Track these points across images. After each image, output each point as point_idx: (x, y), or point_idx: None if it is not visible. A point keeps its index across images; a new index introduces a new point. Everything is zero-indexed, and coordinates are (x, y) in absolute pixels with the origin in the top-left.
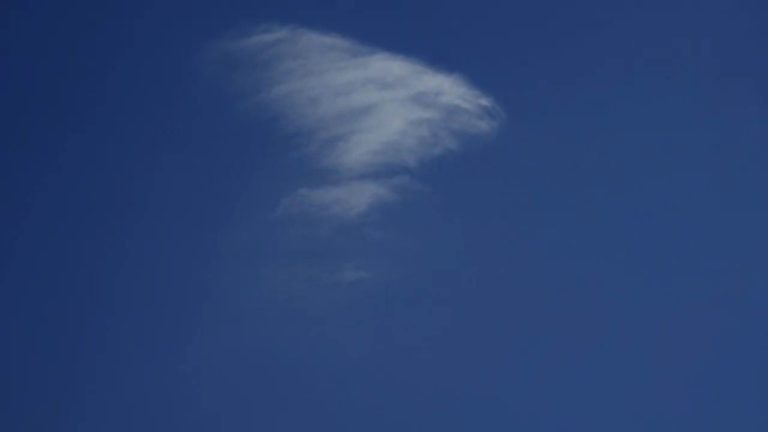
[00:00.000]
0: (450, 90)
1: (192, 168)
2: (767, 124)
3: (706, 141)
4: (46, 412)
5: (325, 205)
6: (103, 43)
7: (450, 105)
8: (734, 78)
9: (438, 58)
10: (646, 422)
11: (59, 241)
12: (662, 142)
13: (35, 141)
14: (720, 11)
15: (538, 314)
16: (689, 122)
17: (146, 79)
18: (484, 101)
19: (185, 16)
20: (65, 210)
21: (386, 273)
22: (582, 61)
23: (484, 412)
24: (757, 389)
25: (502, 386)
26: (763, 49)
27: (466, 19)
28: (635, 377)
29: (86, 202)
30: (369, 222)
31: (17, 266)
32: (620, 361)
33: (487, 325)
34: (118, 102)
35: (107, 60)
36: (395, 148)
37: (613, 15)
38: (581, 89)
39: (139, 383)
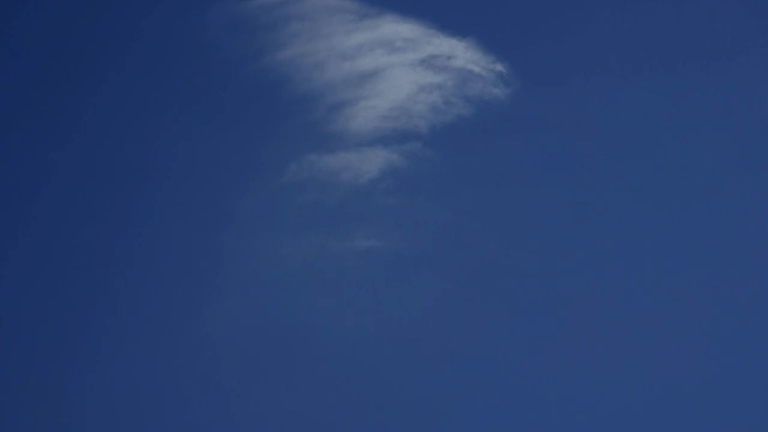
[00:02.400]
0: (463, 54)
1: (196, 135)
2: None
3: (716, 114)
4: (66, 376)
5: (334, 171)
6: (108, 7)
7: (462, 70)
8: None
9: (450, 21)
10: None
11: (65, 211)
12: (677, 111)
13: (43, 109)
14: None
15: (549, 281)
16: (704, 92)
17: (150, 42)
18: (499, 67)
19: None
20: (65, 182)
21: (398, 241)
22: (600, 29)
23: (494, 377)
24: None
25: (511, 351)
26: None
27: None
28: (645, 343)
29: (87, 175)
30: (380, 188)
31: (33, 238)
32: (628, 331)
33: (499, 292)
34: (122, 67)
35: (111, 24)
36: (406, 114)
37: None
38: (598, 57)
39: (149, 351)
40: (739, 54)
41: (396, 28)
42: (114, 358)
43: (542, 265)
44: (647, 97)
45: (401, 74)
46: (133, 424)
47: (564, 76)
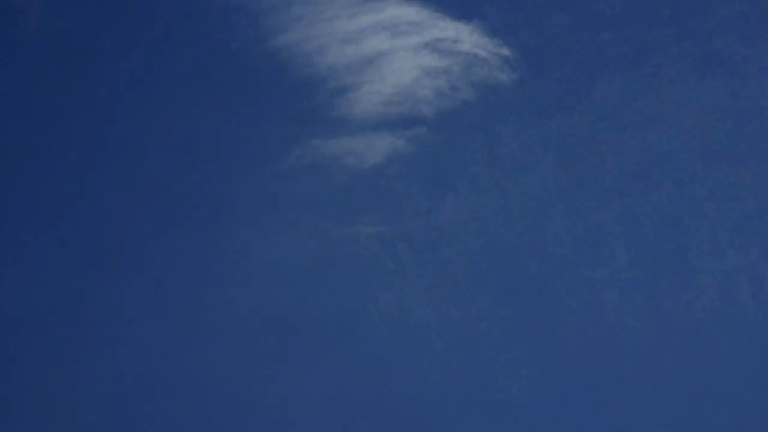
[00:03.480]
0: (468, 38)
1: (196, 119)
2: None
3: (720, 105)
4: (68, 367)
5: (338, 156)
6: None
7: (468, 54)
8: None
9: (456, 4)
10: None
11: (63, 204)
12: (682, 98)
13: (42, 91)
14: None
15: (557, 268)
16: (707, 82)
17: (149, 26)
18: (505, 51)
19: None
20: (64, 172)
21: (404, 227)
22: (610, 11)
23: (500, 363)
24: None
25: (517, 338)
26: None
27: None
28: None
29: (86, 164)
30: (385, 174)
31: (35, 219)
32: (640, 325)
33: (506, 278)
34: (122, 51)
35: (112, 9)
36: (411, 99)
37: None
38: (607, 43)
39: (150, 341)
40: (740, 48)
41: (400, 11)
42: (113, 350)
43: (547, 250)
44: (653, 84)
45: (405, 58)
46: (140, 414)
47: (573, 63)
